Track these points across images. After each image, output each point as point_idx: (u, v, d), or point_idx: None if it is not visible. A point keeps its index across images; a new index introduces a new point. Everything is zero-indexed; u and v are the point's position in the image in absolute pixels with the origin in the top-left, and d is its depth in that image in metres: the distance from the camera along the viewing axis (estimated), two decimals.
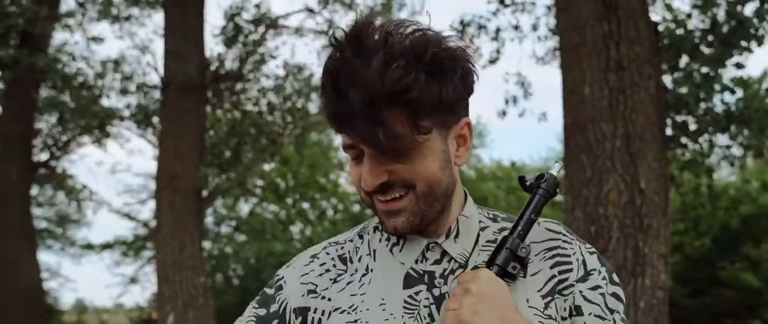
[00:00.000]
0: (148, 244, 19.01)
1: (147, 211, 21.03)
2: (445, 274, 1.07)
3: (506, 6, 6.84)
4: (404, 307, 1.06)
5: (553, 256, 1.10)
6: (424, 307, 1.05)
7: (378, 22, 1.00)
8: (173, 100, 8.02)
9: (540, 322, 1.05)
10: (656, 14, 5.93)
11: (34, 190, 14.36)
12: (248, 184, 9.47)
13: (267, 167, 12.23)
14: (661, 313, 4.70)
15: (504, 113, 6.64)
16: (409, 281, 1.07)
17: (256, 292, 1.22)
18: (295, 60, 10.13)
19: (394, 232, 1.05)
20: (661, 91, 4.96)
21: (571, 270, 1.09)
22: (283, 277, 1.14)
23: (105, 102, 11.37)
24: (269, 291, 1.15)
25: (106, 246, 19.58)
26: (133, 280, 19.47)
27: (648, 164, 4.76)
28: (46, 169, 13.69)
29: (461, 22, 6.64)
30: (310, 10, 9.26)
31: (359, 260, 1.12)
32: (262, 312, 1.13)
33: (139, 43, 10.84)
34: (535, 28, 6.93)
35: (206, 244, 15.34)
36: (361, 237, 1.15)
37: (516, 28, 6.84)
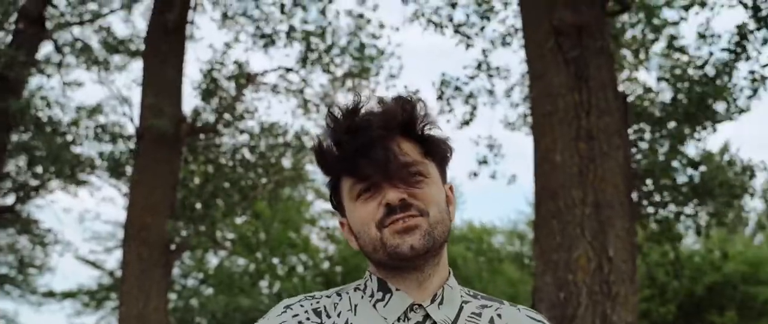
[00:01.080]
0: (112, 295, 18.48)
1: (113, 260, 20.54)
2: None
3: (483, 71, 7.02)
4: None
5: None
6: None
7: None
8: (147, 150, 7.96)
9: None
10: (623, 87, 6.12)
11: None
12: (218, 238, 9.32)
13: (238, 221, 12.09)
14: None
15: (475, 174, 6.73)
16: None
17: None
18: (270, 117, 10.17)
19: (411, 250, 1.07)
20: (628, 162, 5.07)
21: None
22: None
23: (77, 149, 11.24)
24: None
25: (69, 295, 18.99)
26: None
27: (616, 232, 4.82)
28: (11, 213, 13.35)
29: (441, 83, 6.77)
30: (289, 69, 9.36)
31: (338, 315, 1.12)
32: None
33: (117, 92, 10.80)
34: (508, 94, 7.10)
35: (172, 296, 14.98)
36: (339, 295, 1.16)
37: (490, 92, 7.00)
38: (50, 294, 20.23)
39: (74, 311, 19.29)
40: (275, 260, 16.41)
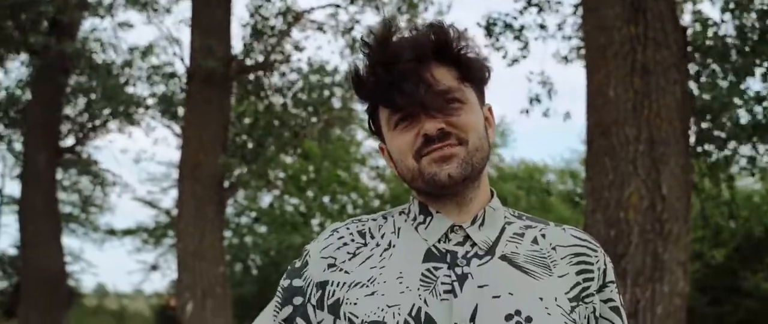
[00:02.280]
0: (170, 233, 19.20)
1: (169, 199, 21.25)
2: (469, 256, 1.09)
3: (533, 5, 6.80)
4: (421, 280, 1.06)
5: (579, 263, 1.13)
6: (443, 283, 1.06)
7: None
8: (198, 90, 8.06)
9: (565, 322, 1.07)
10: (686, 18, 5.86)
11: (59, 175, 14.55)
12: (270, 177, 9.51)
13: (289, 160, 12.27)
14: (679, 320, 4.65)
15: (527, 111, 6.61)
16: (429, 256, 1.09)
17: (275, 283, 1.26)
18: (319, 57, 10.14)
19: (449, 179, 1.07)
20: (686, 97, 4.90)
21: (593, 279, 1.12)
22: (309, 252, 1.17)
23: (131, 90, 11.50)
24: (297, 264, 1.17)
25: (128, 232, 19.82)
26: (154, 268, 19.70)
27: (670, 170, 4.71)
28: (72, 154, 13.86)
29: (487, 21, 6.61)
30: (337, 6, 9.27)
31: (382, 237, 1.14)
32: (286, 283, 1.16)
33: (167, 32, 10.91)
34: (560, 27, 6.88)
35: (226, 234, 15.47)
36: (385, 218, 1.18)
37: (542, 27, 6.80)
38: (111, 232, 21.18)
39: (134, 248, 20.18)
40: (326, 199, 16.68)
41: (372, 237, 1.14)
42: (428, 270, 1.07)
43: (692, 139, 5.31)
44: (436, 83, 1.07)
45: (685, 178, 4.80)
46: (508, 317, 1.03)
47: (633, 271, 4.67)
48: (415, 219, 1.14)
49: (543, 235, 1.16)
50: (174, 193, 18.75)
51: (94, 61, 11.49)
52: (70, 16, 9.79)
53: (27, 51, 10.82)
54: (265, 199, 17.27)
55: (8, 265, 23.94)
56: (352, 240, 1.14)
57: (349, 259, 1.12)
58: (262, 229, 17.56)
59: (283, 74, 9.17)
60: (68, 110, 12.97)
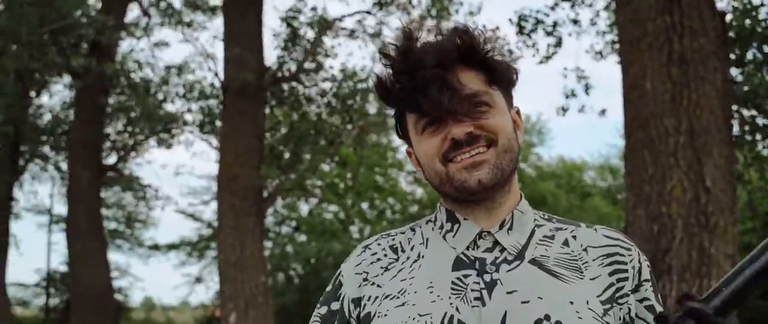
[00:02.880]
0: (212, 245, 19.46)
1: (210, 211, 21.55)
2: (498, 262, 1.08)
3: (565, 0, 6.70)
4: (452, 289, 1.06)
5: (612, 264, 1.10)
6: (473, 290, 1.05)
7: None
8: (232, 103, 8.12)
9: None
10: (722, 3, 5.70)
11: (103, 192, 14.88)
12: (307, 185, 9.56)
13: (325, 168, 12.33)
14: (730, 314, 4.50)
15: (564, 110, 6.48)
16: (458, 265, 1.09)
17: (316, 291, 1.29)
18: (350, 64, 10.18)
19: (479, 184, 1.07)
20: (727, 85, 4.76)
21: (627, 278, 1.10)
22: (341, 272, 1.18)
23: (169, 106, 11.71)
24: (330, 289, 1.18)
25: (172, 246, 20.16)
26: (198, 280, 19.98)
27: (713, 161, 4.57)
28: (114, 171, 14.17)
29: (519, 18, 6.52)
30: (367, 13, 9.29)
31: (411, 249, 1.14)
32: (324, 311, 1.16)
33: (201, 49, 11.07)
34: (593, 22, 6.76)
35: (267, 244, 15.58)
36: (413, 230, 1.18)
37: (575, 22, 6.68)
38: (155, 247, 21.58)
39: (179, 261, 20.51)
40: (364, 205, 16.70)
41: (403, 251, 1.14)
42: (458, 278, 1.07)
43: (735, 129, 5.15)
44: (463, 87, 1.06)
45: (730, 168, 4.65)
46: (538, 322, 1.02)
47: (678, 266, 4.54)
48: (442, 227, 1.14)
49: (574, 237, 1.14)
50: (214, 205, 19.02)
51: (133, 80, 11.74)
52: (108, 38, 10.02)
53: (69, 73, 11.10)
54: (304, 208, 17.39)
55: (59, 282, 24.58)
56: (385, 255, 1.15)
57: (382, 274, 1.12)
58: (302, 237, 17.68)
59: (315, 84, 9.23)
60: (109, 129, 13.28)
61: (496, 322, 1.02)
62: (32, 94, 14.75)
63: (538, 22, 6.56)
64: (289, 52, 8.64)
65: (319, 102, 9.05)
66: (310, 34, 8.86)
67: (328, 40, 9.16)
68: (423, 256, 1.12)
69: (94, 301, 11.34)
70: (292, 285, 17.09)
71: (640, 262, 1.12)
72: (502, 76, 1.11)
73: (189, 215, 18.85)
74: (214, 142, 12.21)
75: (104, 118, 12.56)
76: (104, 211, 15.35)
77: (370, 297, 1.10)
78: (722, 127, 4.61)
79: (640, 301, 1.10)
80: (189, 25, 10.94)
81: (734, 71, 5.29)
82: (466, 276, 1.07)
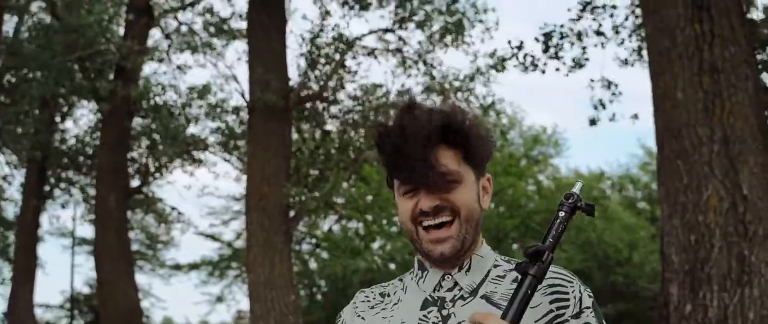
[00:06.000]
0: (233, 264, 19.47)
1: (230, 232, 21.61)
2: (455, 299, 1.31)
3: (587, 9, 6.66)
4: (418, 322, 1.31)
5: (553, 293, 1.28)
6: (432, 323, 1.30)
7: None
8: (259, 123, 8.16)
9: None
10: (755, 10, 5.66)
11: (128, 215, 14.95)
12: (334, 203, 9.55)
13: (345, 185, 12.37)
14: None
15: (593, 122, 6.43)
16: (425, 304, 1.33)
17: (342, 308, 1.48)
18: (369, 79, 10.22)
19: (441, 256, 1.29)
20: (760, 93, 4.71)
21: (567, 306, 1.27)
22: (342, 317, 1.43)
23: (192, 129, 11.78)
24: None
25: (194, 266, 20.20)
26: (220, 299, 19.98)
27: (749, 168, 4.51)
28: (140, 194, 14.25)
29: (545, 35, 6.51)
30: (387, 30, 9.33)
31: (395, 294, 1.40)
32: None
33: (222, 71, 11.15)
34: (617, 30, 6.72)
35: None
36: (401, 280, 1.42)
37: (598, 33, 6.65)
38: (177, 267, 21.63)
39: (200, 281, 20.53)
40: (384, 221, 16.67)
41: (389, 296, 1.40)
42: (424, 315, 1.31)
43: None
44: (439, 165, 1.25)
45: (766, 176, 4.58)
46: None
47: (718, 276, 4.46)
48: (416, 275, 1.38)
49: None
50: (235, 225, 19.05)
51: (156, 103, 11.84)
52: (132, 62, 10.12)
53: (94, 98, 11.21)
54: (324, 225, 17.38)
55: (82, 303, 24.69)
56: (374, 298, 1.42)
57: (368, 310, 1.39)
58: (324, 254, 17.65)
59: (336, 101, 9.25)
60: (133, 153, 13.38)
61: None
62: (57, 119, 14.93)
63: (563, 36, 6.54)
64: (312, 71, 8.67)
65: (342, 119, 9.06)
66: (332, 52, 8.90)
67: (349, 59, 9.20)
68: (401, 300, 1.37)
69: (123, 322, 11.36)
70: (315, 302, 17.04)
71: (581, 292, 1.28)
72: (477, 155, 1.30)
73: (210, 236, 18.90)
74: (236, 162, 12.29)
75: (129, 141, 12.67)
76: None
77: None
78: (757, 134, 4.56)
79: None
80: (211, 47, 11.03)
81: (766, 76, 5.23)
82: (429, 312, 1.31)
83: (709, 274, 4.45)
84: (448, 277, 1.32)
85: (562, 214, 1.22)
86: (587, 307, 1.27)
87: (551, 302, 1.26)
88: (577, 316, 1.26)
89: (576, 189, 1.25)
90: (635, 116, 6.49)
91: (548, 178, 18.54)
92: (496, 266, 1.34)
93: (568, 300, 1.26)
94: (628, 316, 15.42)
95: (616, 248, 15.38)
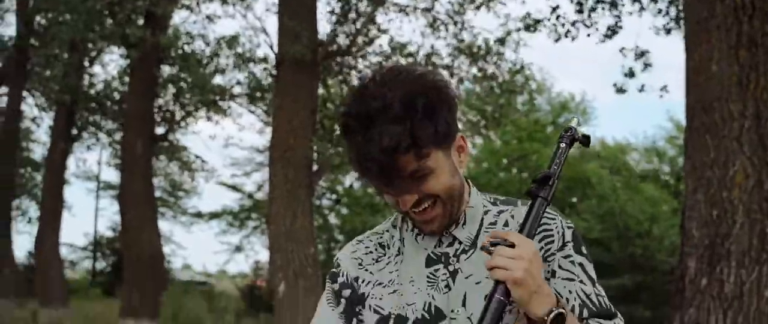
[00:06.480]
0: (253, 215, 19.73)
1: (251, 183, 21.87)
2: (458, 253, 1.38)
3: None
4: (427, 282, 1.37)
5: (540, 231, 1.37)
6: (442, 280, 1.36)
7: (378, 78, 1.30)
8: (287, 76, 8.15)
9: None
10: None
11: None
12: None
13: None
14: None
15: (621, 90, 6.35)
16: (429, 262, 1.39)
17: None
18: (401, 37, 10.16)
19: (432, 234, 1.37)
20: None
21: (553, 241, 1.37)
22: (339, 258, 1.48)
23: (219, 79, 11.84)
24: (334, 270, 1.47)
25: (214, 215, 20.49)
26: (239, 248, 20.29)
27: None
28: (165, 141, 14.42)
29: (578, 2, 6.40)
30: None
31: (394, 246, 1.44)
32: (336, 286, 1.45)
33: (251, 22, 11.11)
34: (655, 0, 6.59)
35: None
36: (394, 226, 1.46)
37: (635, 0, 6.52)
38: (198, 215, 22.00)
39: (220, 230, 20.86)
40: None
41: (388, 248, 1.44)
42: (431, 272, 1.37)
43: None
44: (404, 170, 1.27)
45: None
46: (486, 297, 1.25)
47: (738, 252, 4.47)
48: (413, 230, 1.42)
49: (512, 216, 1.41)
50: (257, 176, 19.25)
51: (184, 51, 11.90)
52: (163, 9, 10.16)
53: (124, 44, 11.30)
54: (345, 181, 17.49)
55: (105, 246, 25.32)
56: (375, 250, 1.45)
57: (374, 264, 1.43)
58: (343, 210, 17.80)
59: (365, 57, 9.20)
60: (160, 100, 13.53)
61: (460, 301, 1.34)
62: (86, 63, 15.10)
63: (599, 1, 6.44)
64: (343, 26, 8.64)
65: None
66: (363, 7, 8.85)
67: (379, 16, 9.14)
68: (402, 253, 1.41)
69: (146, 267, 11.65)
70: (333, 256, 17.25)
71: (562, 227, 1.38)
72: (440, 134, 1.29)
73: (231, 187, 19.12)
74: (262, 114, 12.37)
75: (157, 89, 12.78)
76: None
77: (364, 280, 1.42)
78: None
79: (565, 256, 1.36)
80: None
81: None
82: (436, 270, 1.37)
83: (729, 250, 4.46)
84: (446, 234, 1.39)
85: (562, 145, 1.33)
86: (569, 241, 1.38)
87: (540, 240, 1.36)
88: (561, 248, 1.37)
89: (573, 123, 1.36)
90: (664, 88, 6.38)
91: (576, 148, 18.41)
92: (486, 212, 1.42)
93: (552, 236, 1.37)
94: (645, 287, 15.52)
95: (638, 220, 15.35)
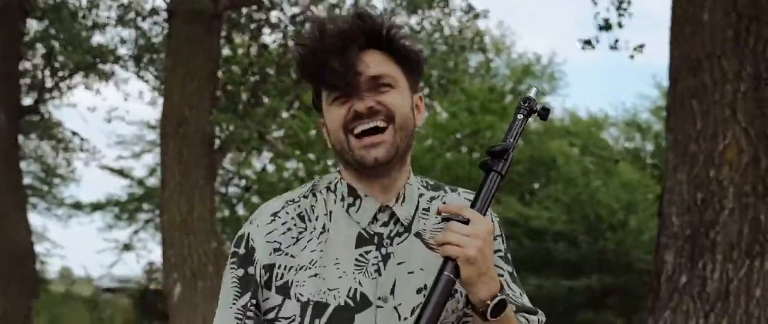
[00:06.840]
0: (145, 206, 19.22)
1: (141, 167, 21.26)
2: (392, 235, 1.47)
3: None
4: (355, 265, 1.44)
5: None
6: (372, 264, 1.45)
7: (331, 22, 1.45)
8: (180, 31, 8.00)
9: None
10: None
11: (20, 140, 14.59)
12: (268, 135, 9.45)
13: (284, 115, 12.34)
14: None
15: (588, 43, 6.21)
16: (360, 241, 1.46)
17: None
18: None
19: (375, 162, 1.42)
20: None
21: None
22: (251, 237, 1.48)
23: (100, 38, 11.41)
24: (241, 251, 1.48)
25: (97, 206, 19.83)
26: (127, 247, 19.77)
27: None
28: (34, 114, 13.86)
29: None
30: None
31: (316, 219, 1.50)
32: (241, 273, 1.47)
33: None
34: None
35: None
36: (314, 195, 1.53)
37: None
38: (77, 206, 21.19)
39: (105, 225, 20.20)
40: (330, 162, 16.54)
41: (310, 220, 1.49)
42: (361, 254, 1.45)
43: None
44: (367, 68, 1.42)
45: None
46: (419, 291, 1.43)
47: (725, 244, 4.41)
48: (343, 199, 1.50)
49: (443, 203, 1.53)
50: (148, 158, 18.69)
51: (56, 1, 11.42)
52: None
53: None
54: (256, 163, 17.22)
55: None
56: (295, 225, 1.49)
57: (294, 244, 1.46)
58: (254, 198, 17.54)
59: (278, 6, 9.01)
60: (27, 63, 12.95)
61: (388, 289, 1.43)
62: None
63: None
64: None
65: (284, 31, 8.85)
66: None
67: None
68: (328, 230, 1.48)
69: (13, 267, 11.14)
70: None
71: (492, 219, 1.52)
72: (408, 61, 1.48)
73: (117, 171, 18.52)
74: (153, 81, 12.01)
75: (22, 48, 12.15)
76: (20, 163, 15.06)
77: (285, 266, 1.45)
78: None
79: (495, 250, 1.48)
80: None
81: None
82: (367, 252, 1.45)
83: (714, 241, 4.41)
84: (385, 209, 1.48)
85: (520, 116, 1.46)
86: (498, 234, 1.56)
87: None
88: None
89: (532, 93, 1.49)
90: (640, 47, 6.28)
91: (537, 121, 18.61)
92: (421, 195, 1.54)
93: None
94: (615, 291, 15.55)
95: (611, 209, 15.41)
